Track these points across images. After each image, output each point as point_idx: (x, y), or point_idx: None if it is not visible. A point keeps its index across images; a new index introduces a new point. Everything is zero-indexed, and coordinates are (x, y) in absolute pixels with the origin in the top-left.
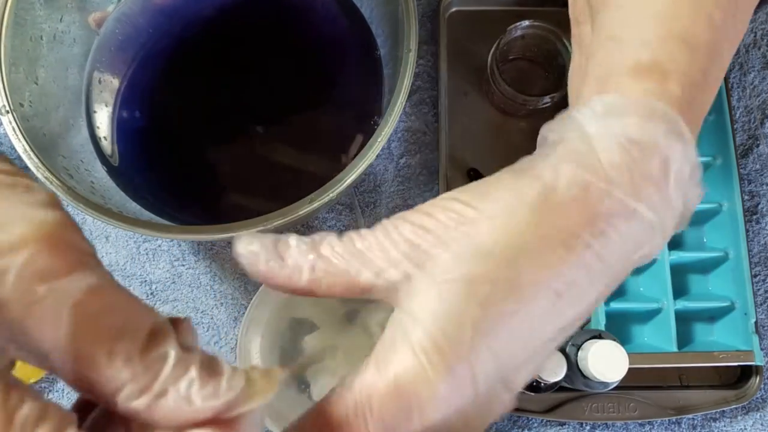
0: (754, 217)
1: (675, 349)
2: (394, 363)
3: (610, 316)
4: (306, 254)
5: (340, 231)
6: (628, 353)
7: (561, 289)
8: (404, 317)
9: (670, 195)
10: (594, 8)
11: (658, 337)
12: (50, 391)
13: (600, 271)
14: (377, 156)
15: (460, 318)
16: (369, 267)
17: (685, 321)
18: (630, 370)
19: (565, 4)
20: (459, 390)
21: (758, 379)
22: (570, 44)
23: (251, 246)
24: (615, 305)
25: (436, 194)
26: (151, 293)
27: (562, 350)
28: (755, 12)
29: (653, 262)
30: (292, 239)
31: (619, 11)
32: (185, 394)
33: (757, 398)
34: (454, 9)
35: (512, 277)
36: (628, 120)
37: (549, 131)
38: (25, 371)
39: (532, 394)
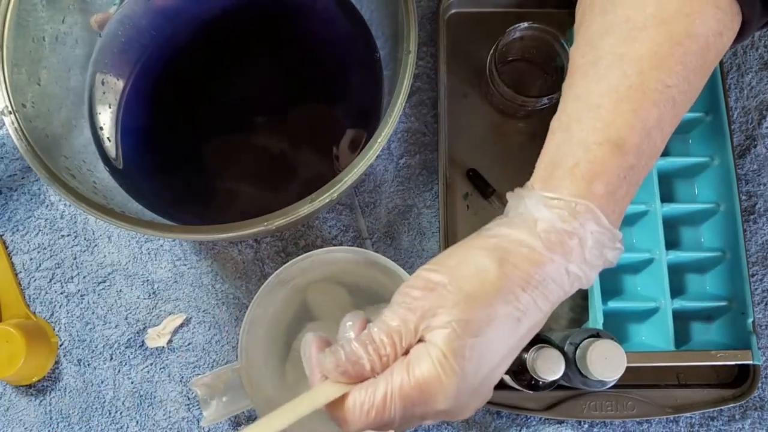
0: (752, 216)
1: (673, 348)
2: (420, 368)
3: (608, 316)
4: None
5: (342, 232)
6: (626, 352)
7: (519, 316)
8: (428, 344)
9: (589, 259)
10: (566, 83)
11: (656, 336)
12: (52, 389)
13: (543, 302)
14: (377, 156)
15: (461, 343)
16: (405, 334)
17: (682, 320)
18: (628, 368)
19: (564, 6)
20: (459, 388)
21: (755, 377)
22: (567, 45)
23: (330, 365)
24: (613, 304)
25: (436, 194)
26: (153, 292)
27: (561, 349)
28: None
29: (651, 261)
30: (357, 344)
31: (576, 103)
32: None
33: (754, 397)
34: (453, 11)
35: (490, 312)
36: (560, 213)
37: (510, 204)
38: (27, 371)
39: (531, 392)
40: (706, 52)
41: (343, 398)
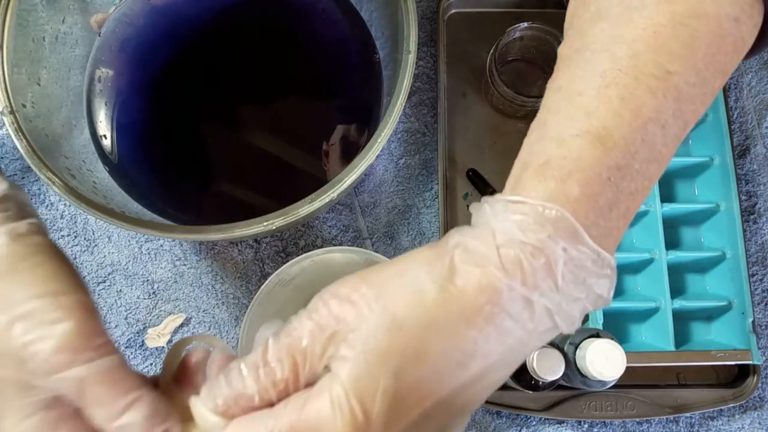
0: (752, 217)
1: (672, 348)
2: (315, 406)
3: (608, 315)
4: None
5: (342, 232)
6: (626, 352)
7: (461, 359)
8: (332, 375)
9: (562, 286)
10: (551, 78)
11: (656, 336)
12: None
13: (496, 344)
14: (377, 156)
15: (370, 383)
16: (313, 354)
17: (682, 320)
18: (628, 368)
19: (564, 6)
20: None
21: (755, 377)
22: None
23: (208, 406)
24: (613, 304)
25: (436, 194)
26: (153, 292)
27: (560, 349)
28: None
29: (651, 261)
30: (244, 367)
31: (555, 95)
32: None
33: (754, 397)
34: (453, 11)
35: (419, 347)
36: (522, 220)
37: (473, 215)
38: None
39: (531, 392)
40: (718, 38)
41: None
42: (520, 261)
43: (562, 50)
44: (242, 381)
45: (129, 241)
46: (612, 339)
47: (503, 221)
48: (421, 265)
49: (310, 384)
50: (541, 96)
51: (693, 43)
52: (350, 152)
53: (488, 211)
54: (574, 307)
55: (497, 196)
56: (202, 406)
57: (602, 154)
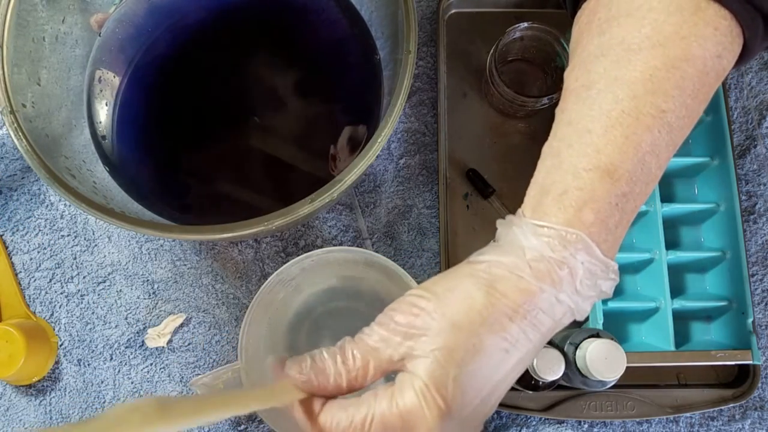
0: (752, 217)
1: (672, 348)
2: (403, 399)
3: (608, 315)
4: (337, 363)
5: (342, 232)
6: (626, 352)
7: (508, 347)
8: (412, 374)
9: (581, 290)
10: (560, 107)
11: (656, 336)
12: (52, 389)
13: (533, 333)
14: (377, 156)
15: (444, 373)
16: (381, 356)
17: (682, 320)
18: (628, 368)
19: (563, 6)
20: (442, 420)
21: (755, 377)
22: (568, 45)
23: (292, 371)
24: (613, 304)
25: (436, 194)
26: (153, 292)
27: (561, 349)
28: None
29: (651, 261)
30: (326, 353)
31: (567, 128)
32: None
33: (754, 397)
34: (453, 11)
35: (476, 342)
36: (550, 242)
37: (500, 231)
38: (27, 371)
39: (531, 392)
40: (704, 75)
41: (317, 408)
42: (549, 272)
43: (569, 80)
44: (323, 362)
45: (129, 241)
46: (612, 339)
47: (533, 241)
48: (466, 278)
49: (375, 380)
50: (541, 96)
51: (683, 83)
52: (352, 150)
53: (518, 232)
54: (587, 302)
55: (523, 218)
56: (290, 371)
57: (611, 186)
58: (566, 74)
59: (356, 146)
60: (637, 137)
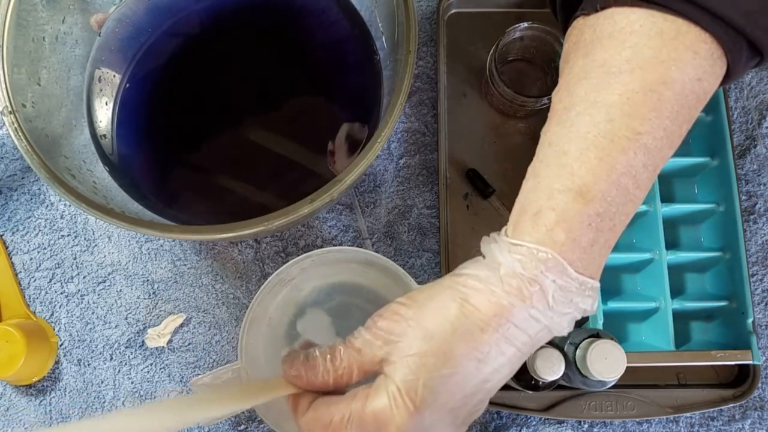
0: (752, 217)
1: (672, 348)
2: (377, 400)
3: (608, 315)
4: (328, 362)
5: (342, 232)
6: (626, 352)
7: (480, 357)
8: (387, 377)
9: (555, 307)
10: (544, 128)
11: (656, 336)
12: (52, 389)
13: (506, 346)
14: (377, 156)
15: (416, 379)
16: (364, 358)
17: (682, 320)
18: (628, 368)
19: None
20: (410, 420)
21: (755, 377)
22: None
23: (285, 366)
24: (612, 304)
25: (436, 194)
26: (153, 292)
27: (561, 349)
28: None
29: (651, 261)
30: (318, 352)
31: (547, 149)
32: None
33: (754, 397)
34: (453, 11)
35: (446, 350)
36: (521, 259)
37: (483, 248)
38: (27, 371)
39: (531, 392)
40: (683, 98)
41: (304, 403)
42: (520, 288)
43: (554, 102)
44: (314, 359)
45: (129, 241)
46: (612, 339)
47: (507, 258)
48: (445, 289)
49: (358, 379)
50: (541, 96)
51: (660, 106)
52: (354, 151)
53: (495, 249)
54: (563, 319)
55: (502, 237)
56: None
57: (582, 206)
58: (553, 95)
59: (355, 144)
60: (612, 159)
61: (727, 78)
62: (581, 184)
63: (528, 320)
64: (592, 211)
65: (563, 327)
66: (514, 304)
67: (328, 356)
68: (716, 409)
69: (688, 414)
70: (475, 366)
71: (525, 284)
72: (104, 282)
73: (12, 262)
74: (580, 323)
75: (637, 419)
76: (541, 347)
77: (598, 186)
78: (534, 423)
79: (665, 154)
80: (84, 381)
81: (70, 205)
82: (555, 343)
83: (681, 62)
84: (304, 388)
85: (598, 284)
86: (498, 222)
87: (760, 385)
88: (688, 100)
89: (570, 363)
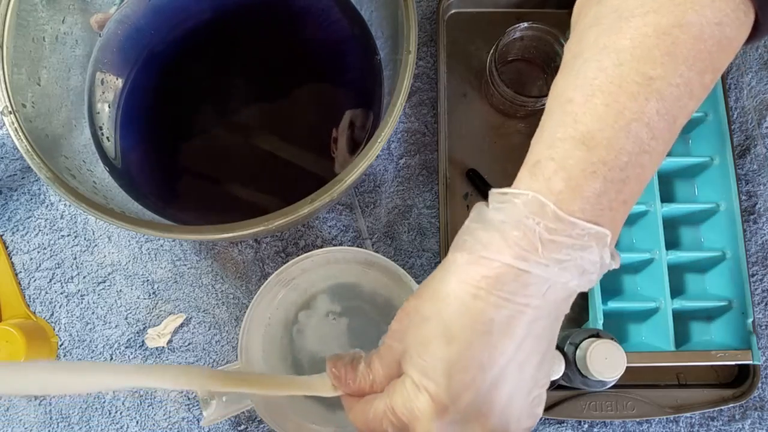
0: (752, 217)
1: (672, 348)
2: (397, 395)
3: (608, 315)
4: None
5: (342, 232)
6: (626, 352)
7: (482, 328)
8: (405, 371)
9: (545, 254)
10: (553, 82)
11: (656, 336)
12: None
13: (510, 308)
14: (377, 156)
15: (425, 365)
16: (390, 362)
17: (682, 320)
18: (628, 368)
19: (564, 6)
20: (434, 411)
21: (755, 377)
22: None
23: (328, 365)
24: (612, 304)
25: (436, 194)
26: (153, 292)
27: (561, 349)
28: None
29: (651, 261)
30: (359, 361)
31: (553, 101)
32: None
33: (754, 397)
34: (453, 11)
35: (445, 330)
36: (502, 207)
37: (472, 210)
38: None
39: None
40: (700, 42)
41: (352, 400)
42: (504, 237)
43: (565, 54)
44: (356, 365)
45: (129, 241)
46: (612, 339)
47: (490, 213)
48: (437, 271)
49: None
50: (541, 96)
51: (675, 50)
52: (356, 139)
53: (481, 206)
54: (566, 271)
55: (493, 192)
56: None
57: (585, 153)
58: (565, 48)
59: (357, 135)
60: (620, 105)
61: (756, 32)
62: (584, 131)
63: (521, 275)
64: (596, 158)
65: (570, 280)
66: (498, 258)
67: (364, 363)
68: (716, 409)
69: (688, 414)
70: (481, 339)
71: (507, 231)
72: (104, 282)
73: (12, 262)
74: (581, 323)
75: (637, 419)
76: None
77: (603, 133)
78: None
79: (684, 104)
80: None
81: (70, 205)
82: (555, 343)
83: (698, 5)
84: (345, 391)
85: (606, 232)
86: None
87: (760, 385)
88: (708, 45)
89: (570, 363)
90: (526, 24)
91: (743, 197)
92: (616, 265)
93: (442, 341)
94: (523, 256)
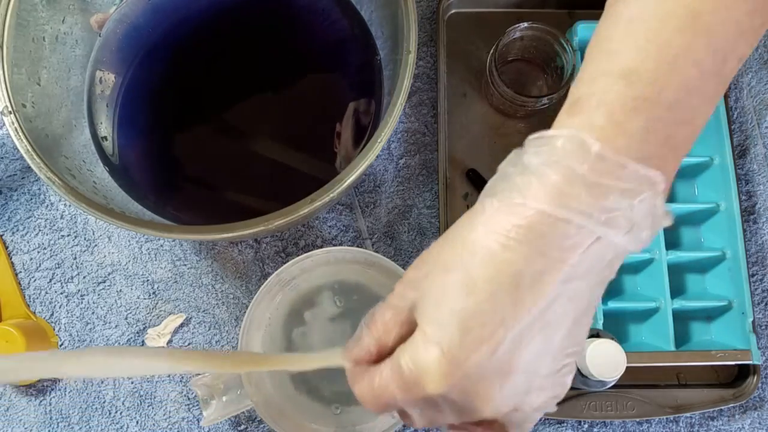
0: (752, 217)
1: (672, 348)
2: (406, 352)
3: (608, 315)
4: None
5: (342, 232)
6: (626, 352)
7: (507, 280)
8: (418, 325)
9: (585, 199)
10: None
11: (656, 336)
12: (52, 389)
13: (542, 261)
14: (377, 156)
15: (440, 316)
16: (398, 311)
17: (682, 320)
18: (628, 368)
19: (564, 6)
20: (447, 368)
21: (755, 377)
22: (568, 45)
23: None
24: (612, 304)
25: (436, 194)
26: (153, 293)
27: None
28: None
29: (651, 261)
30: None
31: (593, 46)
32: None
33: (754, 397)
34: (453, 11)
35: (467, 279)
36: (538, 150)
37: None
38: None
39: None
40: None
41: (357, 374)
42: (541, 178)
43: (607, 5)
44: (360, 330)
45: (129, 241)
46: (612, 339)
47: (524, 157)
48: (461, 220)
49: (400, 338)
50: (541, 96)
51: None
52: (352, 149)
53: (512, 155)
54: (612, 220)
55: (535, 139)
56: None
57: (625, 88)
58: (607, 3)
59: (357, 147)
60: (662, 39)
61: None
62: (624, 66)
63: (560, 225)
64: (637, 93)
65: (617, 235)
66: (533, 205)
67: (368, 315)
68: (716, 409)
69: (688, 414)
70: (505, 292)
71: (546, 175)
72: (104, 282)
73: (12, 262)
74: None
75: (637, 419)
76: None
77: (644, 66)
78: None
79: (735, 44)
80: (84, 381)
81: (70, 205)
82: None
83: None
84: (356, 362)
85: (659, 177)
86: None
87: (760, 385)
88: None
89: None
90: (526, 24)
91: (743, 197)
92: (668, 222)
93: (461, 292)
94: (563, 202)
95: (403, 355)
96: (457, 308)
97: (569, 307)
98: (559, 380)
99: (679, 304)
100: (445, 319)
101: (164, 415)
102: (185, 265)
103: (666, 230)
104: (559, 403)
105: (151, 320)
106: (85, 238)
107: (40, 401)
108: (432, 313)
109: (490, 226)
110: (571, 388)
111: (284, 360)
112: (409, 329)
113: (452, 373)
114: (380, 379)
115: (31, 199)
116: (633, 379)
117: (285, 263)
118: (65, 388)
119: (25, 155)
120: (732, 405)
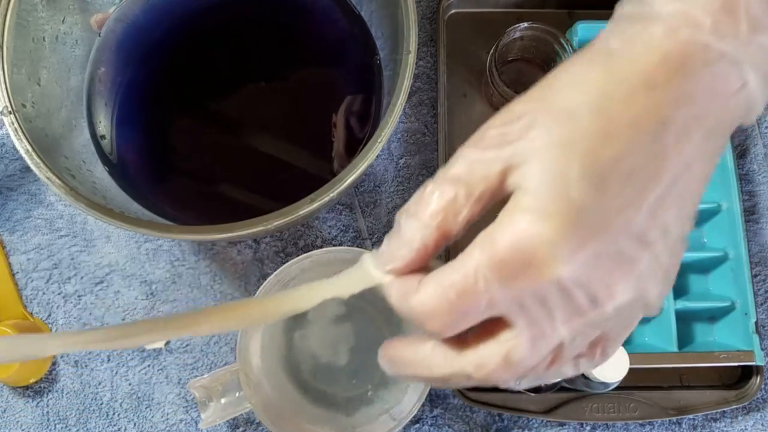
0: (753, 216)
1: (675, 349)
2: (508, 228)
3: None
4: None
5: (342, 232)
6: (629, 353)
7: (651, 125)
8: (516, 191)
9: (753, 40)
10: None
11: (659, 337)
12: (50, 391)
13: (687, 104)
14: (377, 156)
15: (565, 174)
16: (473, 180)
17: (685, 321)
18: (630, 370)
19: (564, 6)
20: (574, 233)
21: (759, 379)
22: (568, 45)
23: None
24: None
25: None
26: (151, 293)
27: None
28: None
29: None
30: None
31: None
32: None
33: (757, 398)
34: (453, 11)
35: (602, 125)
36: None
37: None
38: (24, 372)
39: (532, 394)
40: None
41: (411, 284)
42: (697, 3)
43: None
44: (397, 225)
45: (128, 241)
46: None
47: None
48: (574, 64)
49: (473, 216)
50: None
51: None
52: (352, 149)
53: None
54: (764, 59)
55: None
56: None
57: None
58: None
59: (357, 147)
60: None
61: None
62: None
63: (714, 62)
64: None
65: (759, 84)
66: (686, 33)
67: (411, 203)
68: (719, 410)
69: (690, 416)
70: (648, 140)
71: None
72: (102, 283)
73: (9, 263)
74: None
75: (640, 421)
76: None
77: None
78: (536, 425)
79: None
80: (81, 383)
81: (68, 205)
82: None
83: None
84: (401, 268)
85: None
86: None
87: (763, 386)
88: None
89: None
90: (526, 24)
91: (745, 197)
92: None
93: (595, 137)
94: (721, 31)
95: (500, 239)
96: (587, 159)
97: (704, 169)
98: (674, 262)
99: (682, 304)
100: (573, 173)
101: (162, 417)
102: (183, 265)
103: None
104: (560, 405)
105: None
106: (83, 239)
107: (38, 403)
108: (548, 166)
109: (627, 56)
110: (573, 390)
111: (293, 298)
112: (481, 208)
113: (580, 250)
114: (462, 279)
115: (30, 198)
116: (636, 381)
117: (284, 263)
118: (62, 390)
119: (24, 155)
120: (735, 406)
